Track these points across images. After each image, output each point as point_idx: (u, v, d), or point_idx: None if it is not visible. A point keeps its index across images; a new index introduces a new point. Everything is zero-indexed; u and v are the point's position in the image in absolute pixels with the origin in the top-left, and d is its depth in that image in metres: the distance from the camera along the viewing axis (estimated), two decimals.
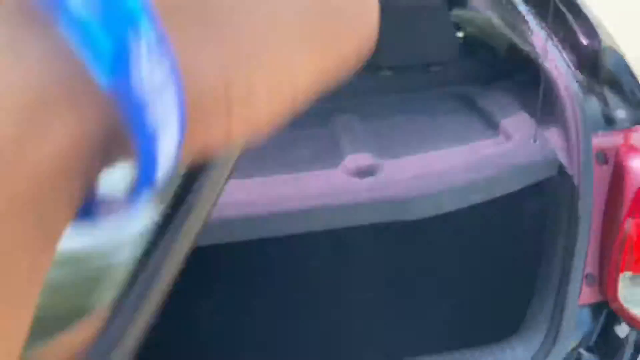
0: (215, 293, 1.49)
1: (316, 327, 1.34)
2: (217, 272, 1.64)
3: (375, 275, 1.48)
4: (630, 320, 1.01)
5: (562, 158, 1.09)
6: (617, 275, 1.00)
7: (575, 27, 1.20)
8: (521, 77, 1.33)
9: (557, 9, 1.25)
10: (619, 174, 1.04)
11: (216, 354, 1.34)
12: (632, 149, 1.05)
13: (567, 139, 1.08)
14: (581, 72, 1.16)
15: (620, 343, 1.02)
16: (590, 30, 1.16)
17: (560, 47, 1.21)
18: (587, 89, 1.13)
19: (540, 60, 1.17)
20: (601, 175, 1.05)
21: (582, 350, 1.01)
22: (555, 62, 1.17)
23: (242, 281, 1.45)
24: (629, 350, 1.02)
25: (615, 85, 1.12)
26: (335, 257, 1.51)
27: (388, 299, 1.45)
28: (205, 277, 1.61)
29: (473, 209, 1.46)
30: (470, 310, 1.35)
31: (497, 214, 1.37)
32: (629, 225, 0.99)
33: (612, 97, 1.12)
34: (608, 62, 1.13)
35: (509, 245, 1.31)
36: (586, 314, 1.04)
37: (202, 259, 1.62)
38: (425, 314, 1.36)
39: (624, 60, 1.14)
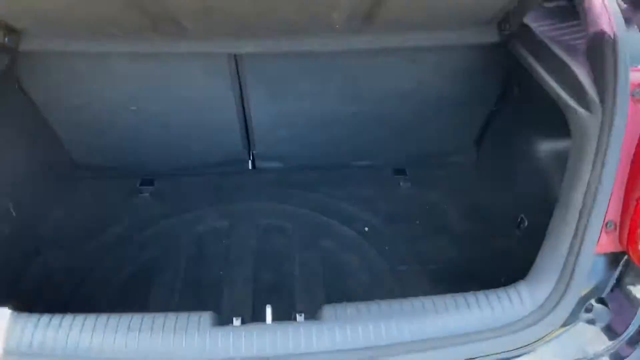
0: None
1: None
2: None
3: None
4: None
5: (594, 92, 0.98)
6: (638, 226, 0.91)
7: None
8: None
9: None
10: None
11: None
12: None
13: (602, 70, 0.97)
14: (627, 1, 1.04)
15: (635, 300, 0.94)
16: None
17: None
18: (632, 21, 1.01)
19: None
20: (637, 113, 0.94)
21: (593, 302, 0.93)
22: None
23: None
24: None
25: None
26: None
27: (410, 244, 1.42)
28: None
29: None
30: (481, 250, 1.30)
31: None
32: None
33: None
34: None
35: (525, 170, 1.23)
36: (602, 264, 0.96)
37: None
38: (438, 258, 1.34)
39: None
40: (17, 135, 1.35)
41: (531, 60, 1.21)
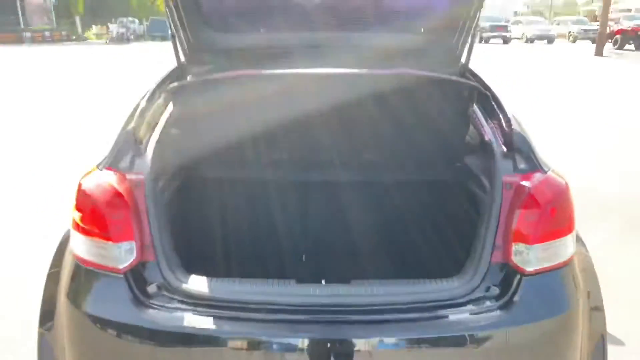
0: None
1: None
2: None
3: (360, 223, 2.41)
4: (518, 269, 1.86)
5: (489, 185, 2.00)
6: (511, 246, 1.87)
7: (502, 119, 2.16)
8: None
9: (493, 110, 2.23)
10: (515, 195, 1.94)
11: None
12: (524, 183, 1.94)
13: (491, 178, 2.00)
14: (504, 144, 2.10)
15: (512, 283, 1.86)
16: (507, 121, 2.12)
17: (494, 130, 2.17)
18: (506, 153, 2.06)
19: (483, 138, 2.15)
20: (507, 195, 1.95)
21: (491, 285, 1.86)
22: (491, 139, 2.12)
23: None
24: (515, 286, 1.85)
25: (520, 151, 2.04)
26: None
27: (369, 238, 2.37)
28: None
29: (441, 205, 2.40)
30: (428, 259, 2.25)
31: (452, 203, 2.30)
32: (513, 221, 1.88)
33: (518, 158, 2.03)
34: (516, 139, 2.05)
35: (460, 228, 2.21)
36: (497, 267, 1.89)
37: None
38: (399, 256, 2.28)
39: (526, 138, 2.06)
40: None
41: (469, 183, 2.26)
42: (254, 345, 1.72)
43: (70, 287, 1.89)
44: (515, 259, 1.87)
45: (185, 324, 1.73)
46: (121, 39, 36.37)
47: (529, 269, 1.85)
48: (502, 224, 1.91)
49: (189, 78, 2.63)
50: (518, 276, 1.86)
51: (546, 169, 1.98)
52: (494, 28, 37.03)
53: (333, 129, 2.36)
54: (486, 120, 2.25)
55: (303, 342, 1.70)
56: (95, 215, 1.88)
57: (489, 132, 2.17)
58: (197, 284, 1.83)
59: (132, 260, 1.85)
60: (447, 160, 2.36)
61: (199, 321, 1.74)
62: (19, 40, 38.40)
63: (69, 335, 1.87)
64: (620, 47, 28.35)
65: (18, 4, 42.77)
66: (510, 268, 1.88)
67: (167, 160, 2.14)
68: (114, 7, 51.46)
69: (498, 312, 1.79)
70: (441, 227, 2.44)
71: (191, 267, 1.95)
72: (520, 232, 1.88)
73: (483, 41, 36.51)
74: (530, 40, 37.33)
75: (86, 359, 1.86)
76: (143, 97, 2.27)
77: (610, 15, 32.28)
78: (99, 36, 47.62)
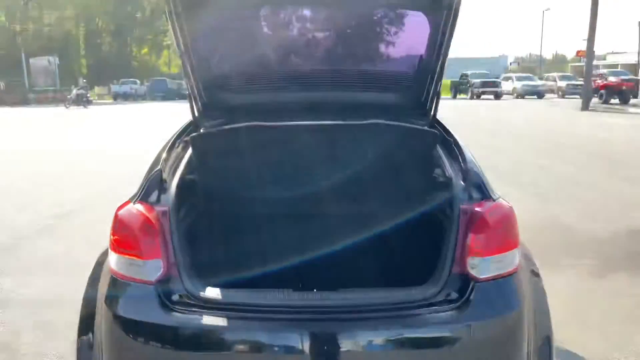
0: None
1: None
2: None
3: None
4: (472, 278, 2.29)
5: (449, 212, 2.46)
6: (467, 259, 2.31)
7: (460, 158, 2.64)
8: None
9: (453, 152, 2.72)
10: (470, 219, 2.39)
11: None
12: (477, 209, 2.40)
13: (451, 206, 2.46)
14: (462, 178, 2.57)
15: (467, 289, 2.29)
16: (464, 160, 2.60)
17: (454, 167, 2.65)
18: (463, 186, 2.53)
19: (445, 174, 2.63)
20: (464, 219, 2.40)
21: (451, 291, 2.29)
22: (452, 175, 2.60)
23: None
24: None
25: (474, 183, 2.51)
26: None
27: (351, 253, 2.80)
28: None
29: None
30: (400, 269, 2.67)
31: (421, 227, 2.75)
32: (468, 239, 2.33)
33: (472, 189, 2.50)
34: (471, 174, 2.53)
35: (425, 242, 2.66)
36: (456, 277, 2.32)
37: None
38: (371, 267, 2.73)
39: (479, 173, 2.54)
40: None
41: (434, 210, 2.73)
42: (259, 338, 2.15)
43: (108, 296, 2.32)
44: (471, 270, 2.31)
45: (204, 322, 2.16)
46: (78, 102, 33.47)
47: (482, 276, 2.29)
48: (460, 242, 2.36)
49: (202, 130, 3.13)
50: (472, 283, 2.29)
51: (495, 197, 2.45)
52: (485, 84, 38.38)
53: (325, 169, 2.85)
54: (448, 160, 2.74)
55: (299, 335, 2.12)
56: (130, 238, 2.33)
57: (449, 169, 2.65)
58: (213, 293, 2.26)
59: (159, 274, 2.29)
60: (417, 193, 2.83)
61: (215, 321, 2.17)
62: (24, 102, 39.63)
63: (107, 335, 2.28)
64: (606, 102, 29.40)
65: (24, 66, 44.32)
66: (466, 277, 2.32)
67: (186, 196, 2.61)
68: (117, 68, 53.24)
69: (456, 312, 2.21)
70: (412, 246, 2.89)
71: (207, 280, 2.39)
72: (474, 248, 2.32)
73: (475, 97, 37.71)
74: (521, 96, 38.58)
75: (121, 353, 2.27)
76: (166, 145, 2.76)
77: (598, 71, 33.54)
78: (100, 96, 49.23)
